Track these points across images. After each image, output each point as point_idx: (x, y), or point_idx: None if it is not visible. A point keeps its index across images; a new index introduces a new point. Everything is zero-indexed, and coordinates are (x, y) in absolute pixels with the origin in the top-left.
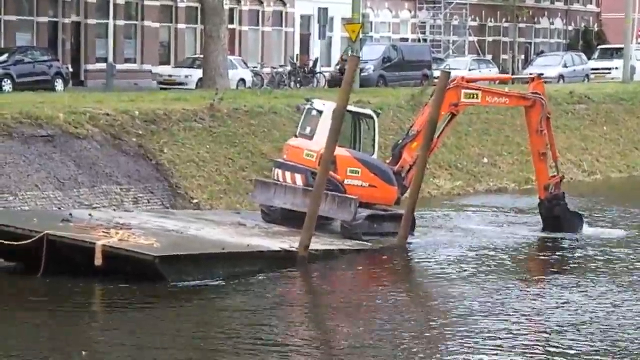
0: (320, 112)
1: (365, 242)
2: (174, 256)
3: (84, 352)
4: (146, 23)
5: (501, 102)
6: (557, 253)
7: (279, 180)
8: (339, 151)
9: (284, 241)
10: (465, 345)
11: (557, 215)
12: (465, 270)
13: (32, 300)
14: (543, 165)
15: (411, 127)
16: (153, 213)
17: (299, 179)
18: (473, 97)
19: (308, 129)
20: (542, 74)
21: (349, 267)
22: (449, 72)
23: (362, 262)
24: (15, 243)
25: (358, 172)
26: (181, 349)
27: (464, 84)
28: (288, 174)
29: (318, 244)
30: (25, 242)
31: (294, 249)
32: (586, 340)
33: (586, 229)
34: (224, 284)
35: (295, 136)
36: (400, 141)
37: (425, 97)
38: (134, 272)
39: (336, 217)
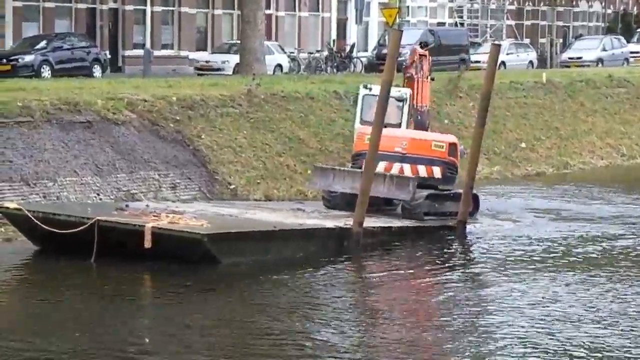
0: (402, 100)
1: (425, 222)
2: (223, 234)
3: (147, 340)
4: (183, 9)
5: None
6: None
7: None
8: (453, 138)
9: (340, 221)
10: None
11: None
12: (519, 262)
13: (85, 288)
14: None
15: (415, 102)
16: (212, 203)
17: (435, 171)
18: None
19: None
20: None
21: (405, 248)
22: (500, 45)
23: (418, 243)
24: (67, 232)
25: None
26: (233, 335)
27: (421, 51)
28: (418, 167)
29: (376, 223)
30: (77, 229)
31: (348, 226)
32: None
33: None
34: (274, 268)
35: (362, 123)
36: (419, 117)
37: (462, 82)
38: (185, 255)
39: (395, 197)
